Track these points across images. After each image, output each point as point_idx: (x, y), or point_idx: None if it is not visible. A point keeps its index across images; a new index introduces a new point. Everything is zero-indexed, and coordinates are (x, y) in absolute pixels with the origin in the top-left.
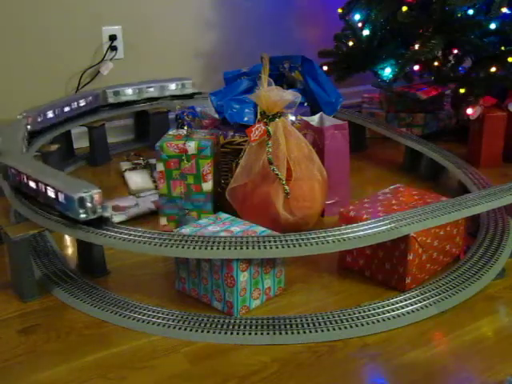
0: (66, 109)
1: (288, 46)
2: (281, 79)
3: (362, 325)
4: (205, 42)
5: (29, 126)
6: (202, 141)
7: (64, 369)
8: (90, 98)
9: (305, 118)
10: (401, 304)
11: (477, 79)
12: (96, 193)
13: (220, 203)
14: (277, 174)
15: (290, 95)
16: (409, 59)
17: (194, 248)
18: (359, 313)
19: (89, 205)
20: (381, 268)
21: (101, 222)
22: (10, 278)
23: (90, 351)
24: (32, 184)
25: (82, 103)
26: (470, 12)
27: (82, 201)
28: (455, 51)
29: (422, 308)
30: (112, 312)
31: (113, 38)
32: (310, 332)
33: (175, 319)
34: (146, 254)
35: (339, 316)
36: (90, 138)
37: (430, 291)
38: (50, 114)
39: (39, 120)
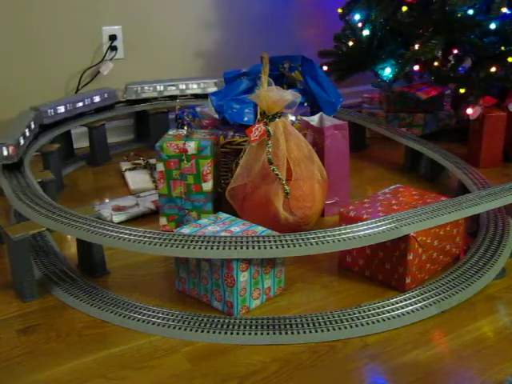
0: (172, 88)
1: (288, 46)
2: (281, 79)
3: (362, 325)
4: (205, 42)
5: (125, 95)
6: (201, 141)
7: (64, 369)
8: (205, 82)
9: (305, 117)
10: (401, 304)
11: (477, 79)
12: (10, 145)
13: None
14: (277, 174)
15: (289, 95)
16: (409, 59)
17: (194, 248)
18: (359, 313)
19: (4, 154)
20: (381, 268)
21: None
22: (10, 278)
23: (90, 351)
24: None
25: (193, 86)
26: (470, 12)
27: None
28: (455, 51)
29: (421, 308)
30: (112, 312)
31: (113, 37)
32: (310, 332)
33: (175, 319)
34: (145, 254)
35: (339, 316)
36: (90, 138)
37: (429, 291)
38: (147, 87)
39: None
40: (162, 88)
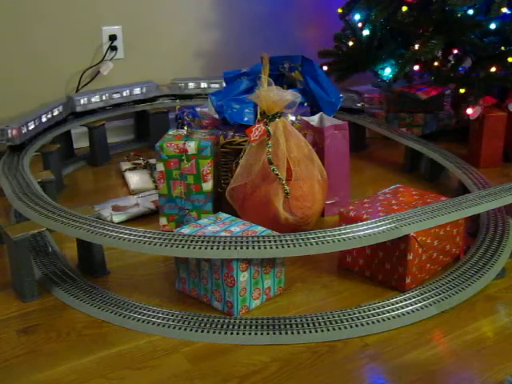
0: (215, 86)
1: (288, 46)
2: (281, 79)
3: (362, 325)
4: (205, 42)
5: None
6: (202, 141)
7: (64, 369)
8: None
9: (305, 118)
10: (401, 304)
11: (477, 79)
12: (14, 128)
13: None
14: (277, 174)
15: (289, 95)
16: (409, 59)
17: (194, 248)
18: (359, 313)
19: (9, 136)
20: (381, 268)
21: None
22: (10, 278)
23: (90, 351)
24: None
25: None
26: (470, 12)
27: (2, 131)
28: (455, 51)
29: (421, 308)
30: (112, 312)
31: (113, 38)
32: (310, 332)
33: (175, 319)
34: (145, 254)
35: (339, 316)
36: (90, 138)
37: (429, 291)
38: (191, 84)
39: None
40: (205, 85)
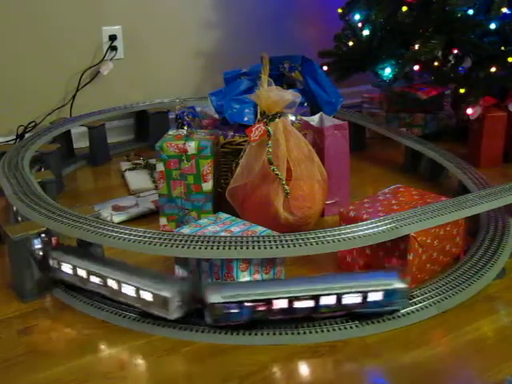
0: None
1: (288, 46)
2: (281, 79)
3: (362, 325)
4: (205, 42)
5: None
6: (201, 141)
7: (64, 369)
8: None
9: (305, 118)
10: None
11: (477, 79)
12: None
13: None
14: (277, 174)
15: (289, 95)
16: (409, 59)
17: (194, 248)
18: None
19: None
20: (381, 268)
21: None
22: (10, 278)
23: (90, 351)
24: None
25: None
26: (470, 12)
27: None
28: (455, 51)
29: (421, 308)
30: (112, 312)
31: (113, 38)
32: (310, 332)
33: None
34: (145, 254)
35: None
36: (89, 138)
37: (430, 291)
38: None
39: None
40: None
